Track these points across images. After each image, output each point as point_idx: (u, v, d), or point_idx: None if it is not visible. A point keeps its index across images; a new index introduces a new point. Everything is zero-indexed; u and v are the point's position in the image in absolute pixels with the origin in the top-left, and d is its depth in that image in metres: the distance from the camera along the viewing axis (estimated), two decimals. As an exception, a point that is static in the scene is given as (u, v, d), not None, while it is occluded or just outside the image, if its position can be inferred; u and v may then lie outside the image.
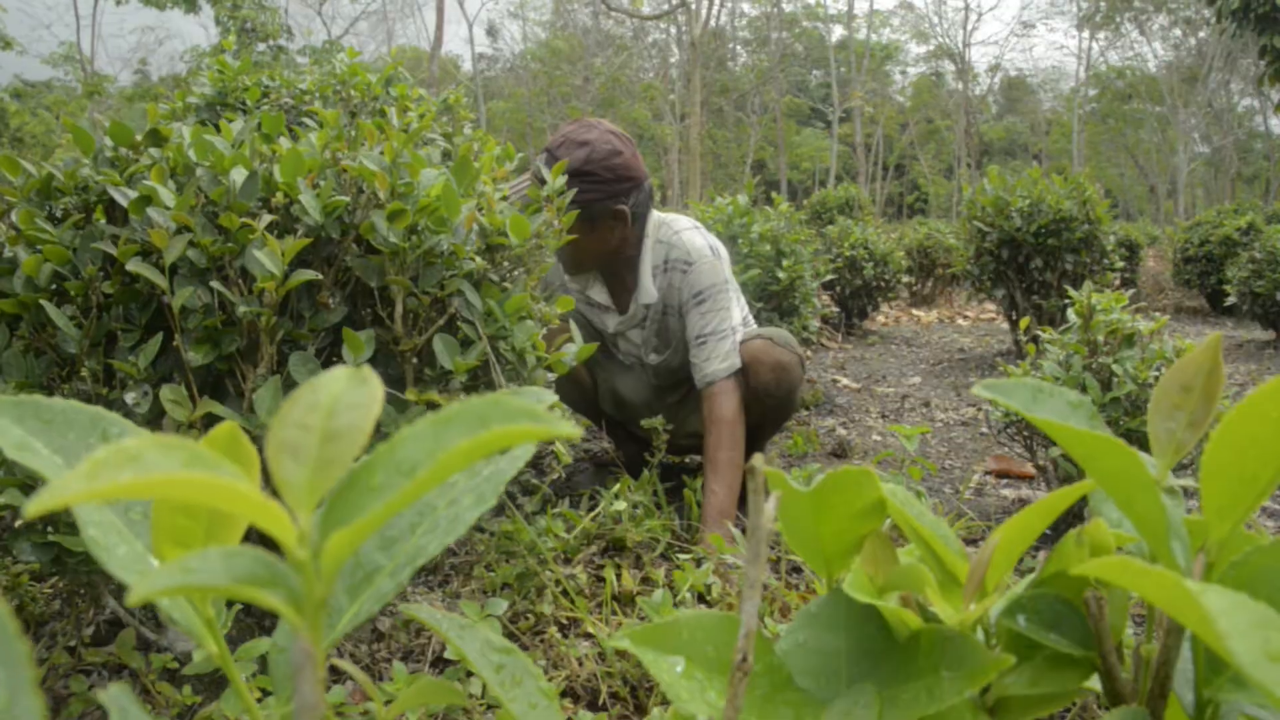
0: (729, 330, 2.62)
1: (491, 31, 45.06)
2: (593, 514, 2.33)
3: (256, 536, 1.27)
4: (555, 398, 0.45)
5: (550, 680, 1.60)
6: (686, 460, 3.26)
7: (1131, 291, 4.86)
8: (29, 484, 1.35)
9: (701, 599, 1.98)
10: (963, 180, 34.83)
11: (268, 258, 1.36)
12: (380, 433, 1.52)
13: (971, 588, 0.47)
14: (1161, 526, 0.43)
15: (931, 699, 0.44)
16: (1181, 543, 0.44)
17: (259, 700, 1.38)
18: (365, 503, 0.33)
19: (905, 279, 7.99)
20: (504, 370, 1.76)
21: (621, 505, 2.32)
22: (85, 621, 1.67)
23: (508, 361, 1.75)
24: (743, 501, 2.65)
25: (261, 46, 22.52)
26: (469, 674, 1.62)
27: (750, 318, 2.89)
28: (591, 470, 3.13)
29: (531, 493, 2.57)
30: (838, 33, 41.24)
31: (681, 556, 2.12)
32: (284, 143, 1.57)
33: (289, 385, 1.47)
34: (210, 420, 1.43)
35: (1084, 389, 2.48)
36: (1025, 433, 2.69)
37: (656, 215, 2.78)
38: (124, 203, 1.41)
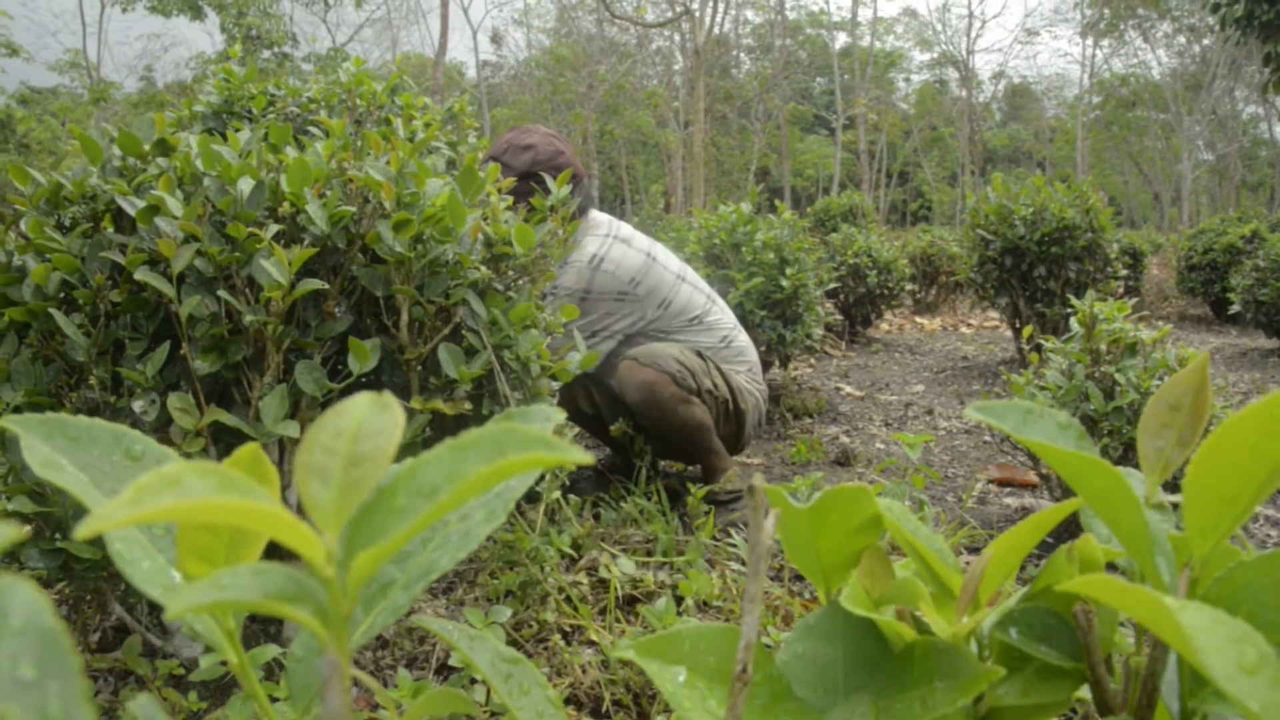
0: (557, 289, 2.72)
1: (496, 39, 45.11)
2: (595, 520, 2.34)
3: (269, 551, 1.28)
4: (563, 416, 0.46)
5: (554, 687, 1.60)
6: (687, 469, 3.27)
7: (1135, 300, 4.86)
8: (38, 491, 1.37)
9: (705, 606, 1.99)
10: (966, 188, 34.85)
11: (274, 267, 1.37)
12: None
13: (965, 601, 0.48)
14: (1146, 543, 0.44)
15: (925, 709, 0.45)
16: (1167, 559, 0.45)
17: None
18: (388, 523, 0.34)
19: (909, 287, 7.99)
20: (508, 379, 1.77)
21: (625, 509, 2.34)
22: (92, 628, 1.68)
23: (512, 370, 1.76)
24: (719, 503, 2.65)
25: (267, 54, 22.58)
26: (473, 681, 1.63)
27: (709, 316, 2.91)
28: (594, 477, 3.13)
29: (535, 500, 2.58)
30: (841, 40, 41.29)
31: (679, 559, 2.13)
32: (291, 152, 1.58)
33: (295, 393, 1.48)
34: (217, 428, 1.44)
35: (1087, 398, 2.49)
36: (1028, 441, 2.70)
37: (592, 218, 2.87)
38: (132, 212, 1.43)
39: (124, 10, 23.77)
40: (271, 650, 1.33)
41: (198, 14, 23.26)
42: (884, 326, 8.46)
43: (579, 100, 35.08)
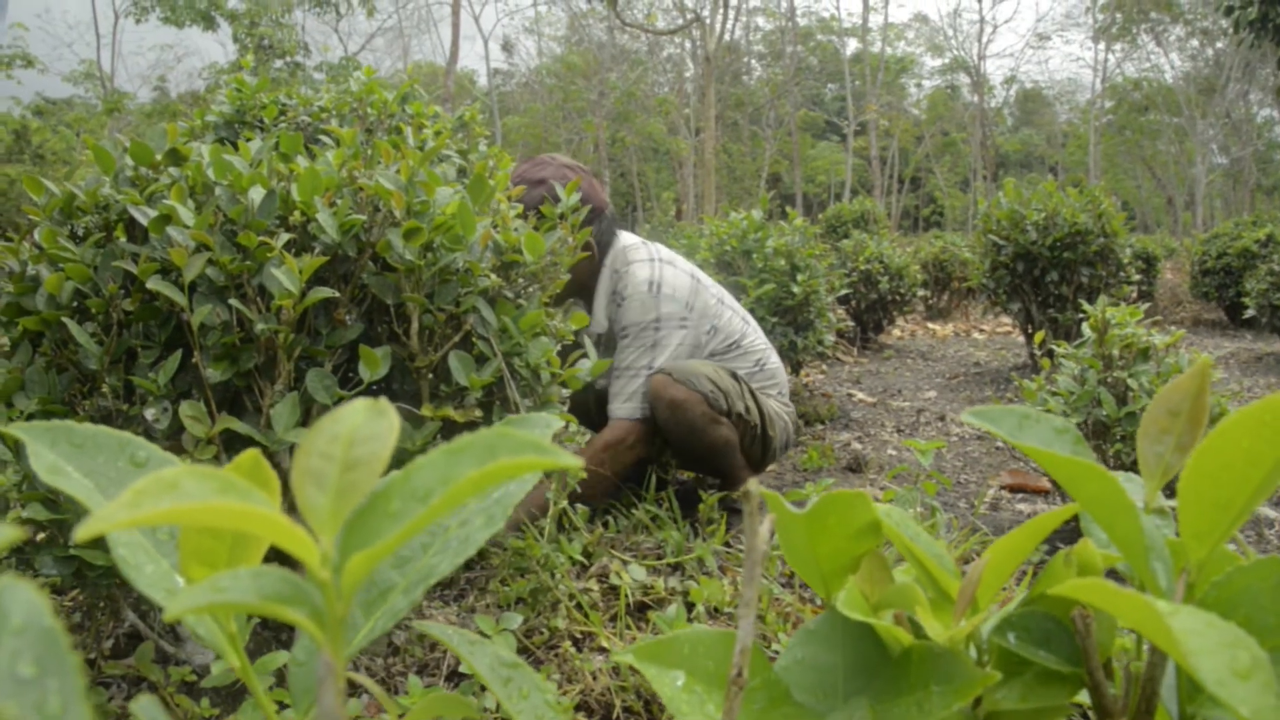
0: (642, 369, 2.65)
1: (507, 47, 45.27)
2: (606, 528, 2.34)
3: (273, 555, 1.28)
4: (561, 424, 0.46)
5: (564, 694, 1.61)
6: (706, 478, 3.27)
7: (1148, 305, 4.84)
8: (51, 498, 1.38)
9: (715, 613, 1.99)
10: (978, 193, 34.76)
11: (285, 275, 1.38)
12: (396, 448, 1.54)
13: (962, 606, 0.48)
14: (1141, 548, 0.44)
15: (921, 713, 0.45)
16: (1164, 564, 0.45)
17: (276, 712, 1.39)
18: (382, 527, 0.35)
19: (921, 293, 7.98)
20: (519, 386, 1.78)
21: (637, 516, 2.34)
22: (105, 635, 1.69)
23: (522, 377, 1.77)
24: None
25: (279, 63, 22.70)
26: (483, 688, 1.63)
27: (745, 339, 2.89)
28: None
29: (545, 508, 2.58)
30: (852, 46, 41.27)
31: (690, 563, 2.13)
32: (301, 161, 1.59)
33: (306, 401, 1.48)
34: (228, 436, 1.45)
35: (1099, 403, 2.48)
36: (1040, 447, 2.69)
37: (623, 241, 2.81)
38: (144, 221, 1.44)
39: (137, 21, 23.93)
40: (282, 657, 1.34)
41: (210, 24, 23.41)
42: (896, 333, 8.45)
43: (590, 108, 35.16)
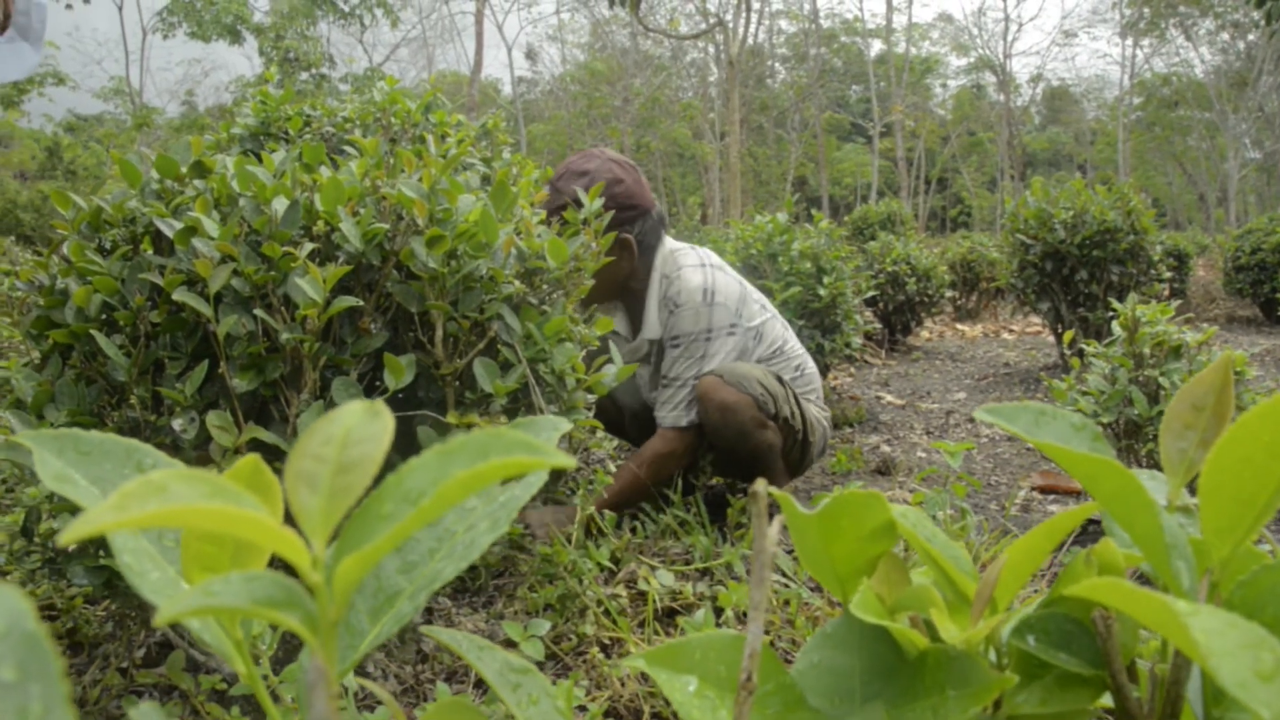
0: (691, 380, 2.63)
1: (530, 55, 45.44)
2: (634, 533, 2.34)
3: (280, 563, 1.29)
4: (569, 426, 0.46)
5: (593, 701, 1.60)
6: (735, 483, 3.26)
7: (1180, 302, 4.77)
8: (81, 510, 1.39)
9: (744, 618, 1.98)
10: (1006, 193, 34.51)
11: (309, 285, 1.39)
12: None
13: (979, 608, 0.47)
14: (1161, 547, 0.43)
15: (937, 718, 0.44)
16: (1187, 563, 0.44)
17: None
18: (376, 529, 0.35)
19: (949, 294, 7.93)
20: (544, 392, 1.78)
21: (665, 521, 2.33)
22: (137, 644, 1.71)
23: (547, 384, 1.77)
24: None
25: (304, 75, 22.90)
26: (512, 694, 1.63)
27: (786, 345, 2.87)
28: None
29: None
30: (876, 47, 41.12)
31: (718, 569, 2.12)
32: (324, 172, 1.60)
33: (332, 410, 1.49)
34: (255, 446, 1.45)
35: (1131, 402, 2.46)
36: (1071, 447, 2.66)
37: (670, 245, 2.79)
38: (170, 234, 1.45)
39: (165, 37, 24.23)
40: (311, 665, 1.34)
41: (236, 38, 23.66)
42: (924, 334, 8.40)
43: (614, 114, 35.22)
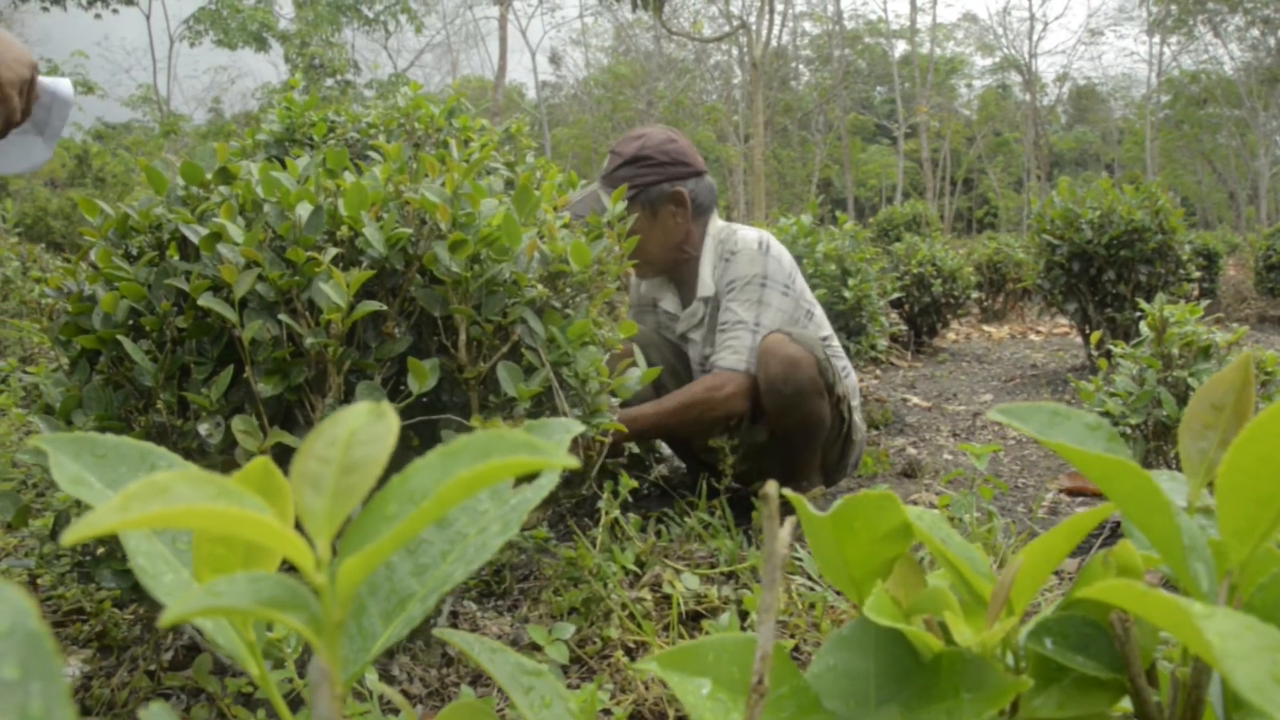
0: (750, 323, 2.61)
1: (554, 59, 45.56)
2: (658, 536, 2.33)
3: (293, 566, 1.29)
4: (581, 428, 0.46)
5: (617, 704, 1.60)
6: (759, 486, 3.25)
7: (1209, 302, 4.72)
8: (108, 514, 1.40)
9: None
10: (1032, 193, 34.26)
11: (333, 290, 1.40)
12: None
13: (994, 611, 0.47)
14: (1178, 548, 0.42)
15: (951, 721, 0.44)
16: (1206, 565, 0.43)
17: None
18: (380, 530, 0.35)
19: (975, 295, 7.88)
20: (567, 396, 1.78)
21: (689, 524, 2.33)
22: (164, 647, 1.72)
23: (571, 387, 1.77)
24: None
25: (330, 82, 23.08)
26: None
27: (833, 341, 2.85)
28: (659, 493, 3.10)
29: (597, 517, 2.58)
30: (901, 48, 40.96)
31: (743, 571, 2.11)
32: (348, 177, 1.61)
33: (338, 411, 1.49)
34: (281, 450, 1.46)
35: (1159, 404, 2.43)
36: (1099, 449, 2.64)
37: (721, 222, 2.82)
38: (195, 240, 1.46)
39: (192, 45, 24.50)
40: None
41: (262, 46, 23.89)
42: (950, 336, 8.35)
43: (639, 117, 35.25)
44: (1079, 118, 50.81)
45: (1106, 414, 2.50)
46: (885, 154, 44.40)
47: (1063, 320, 8.95)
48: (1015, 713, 0.47)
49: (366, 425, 0.36)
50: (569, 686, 1.68)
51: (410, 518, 0.33)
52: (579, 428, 0.44)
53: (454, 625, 1.96)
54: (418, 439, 1.61)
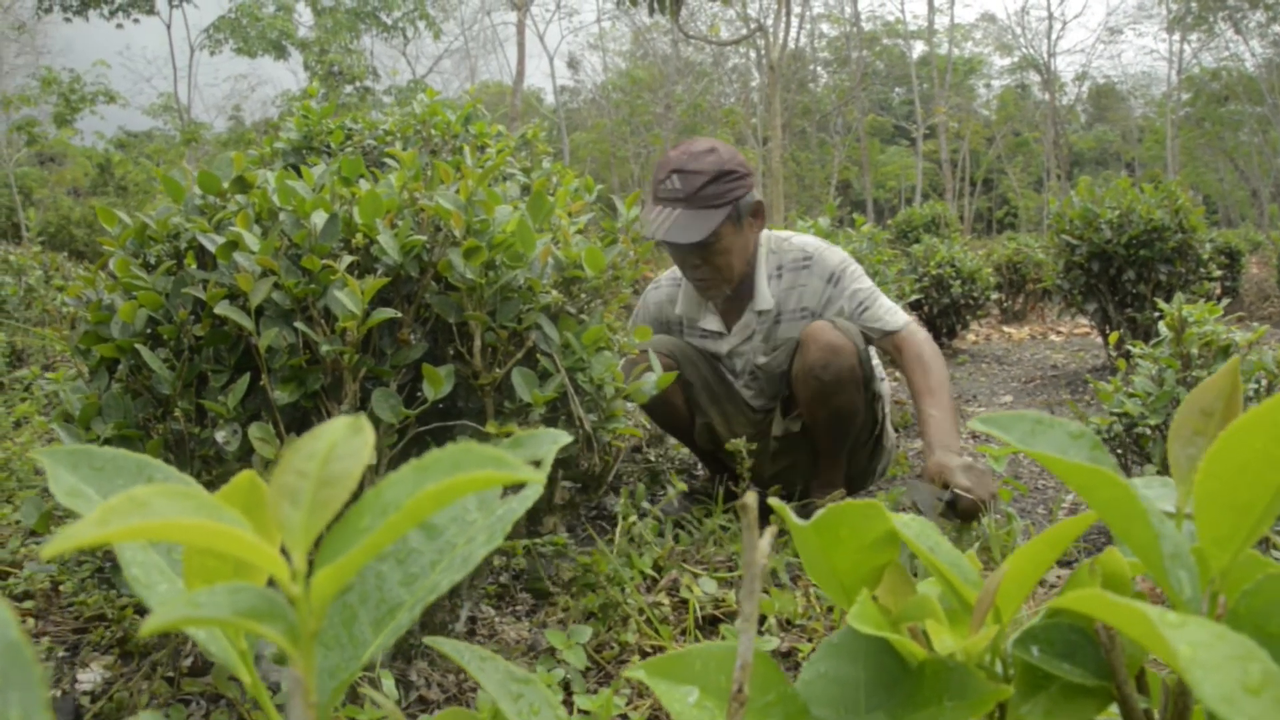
0: (876, 291, 2.63)
1: (572, 64, 45.61)
2: (677, 540, 2.34)
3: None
4: (567, 439, 0.47)
5: (634, 709, 1.60)
6: (777, 490, 3.24)
7: (1230, 301, 4.68)
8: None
9: (788, 625, 1.97)
10: (1052, 192, 34.07)
11: (348, 297, 1.41)
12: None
13: (978, 618, 0.47)
14: (1157, 556, 0.42)
15: (935, 728, 0.44)
16: (1190, 573, 0.43)
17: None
18: (354, 542, 0.35)
19: (994, 296, 7.84)
20: (582, 401, 1.78)
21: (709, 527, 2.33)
22: (184, 653, 1.73)
23: (586, 393, 1.77)
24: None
25: (349, 88, 23.21)
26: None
27: (884, 374, 2.84)
28: (680, 497, 3.07)
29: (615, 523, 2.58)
30: (919, 49, 40.82)
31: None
32: (363, 185, 1.62)
33: (372, 421, 1.51)
34: (297, 456, 1.47)
35: (1178, 404, 2.41)
36: (1119, 450, 2.62)
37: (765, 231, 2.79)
38: (212, 248, 1.48)
39: (212, 54, 24.70)
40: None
41: (282, 53, 24.06)
42: (970, 337, 8.31)
43: (657, 121, 35.26)
44: (1099, 116, 50.50)
45: (1125, 414, 2.49)
46: (904, 155, 44.24)
47: (1083, 320, 8.89)
48: (1003, 719, 0.47)
49: (344, 440, 0.37)
50: (586, 691, 1.68)
51: (379, 531, 0.33)
52: (565, 438, 0.45)
53: (472, 630, 1.97)
54: (434, 445, 1.61)
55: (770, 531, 0.39)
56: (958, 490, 2.19)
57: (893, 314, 2.61)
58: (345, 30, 24.36)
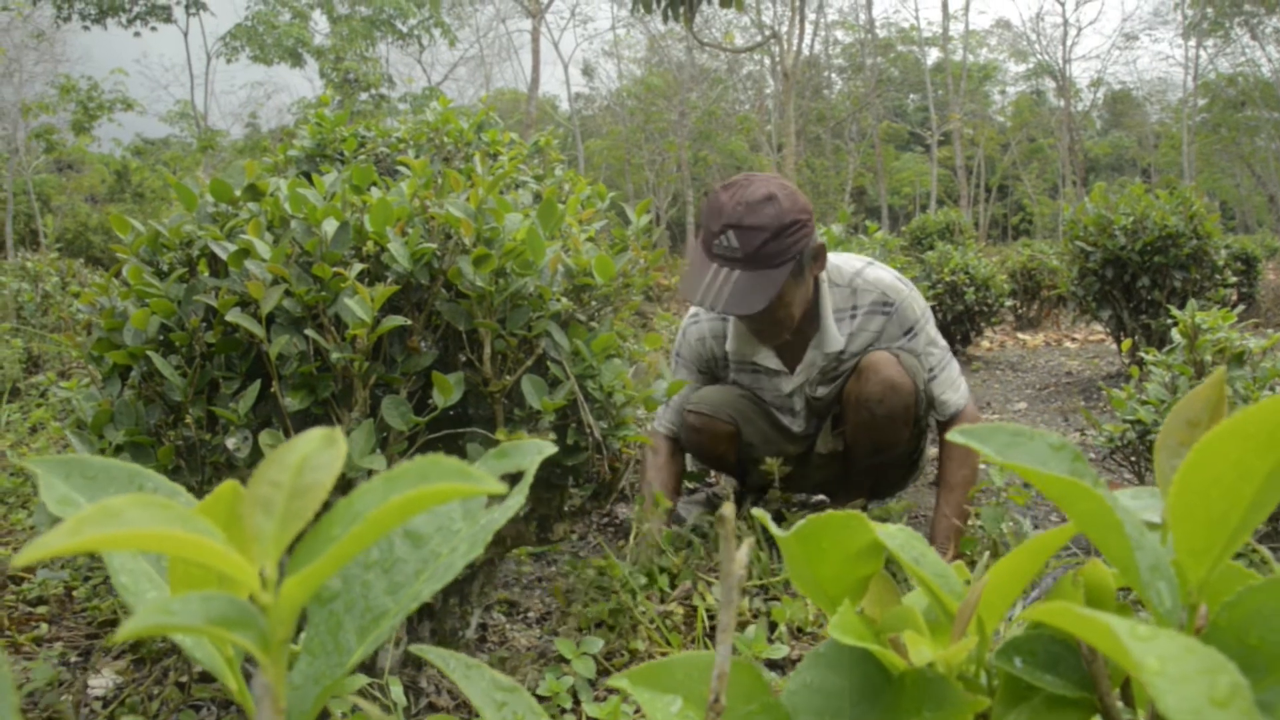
0: (949, 358, 2.56)
1: (587, 71, 45.72)
2: (689, 548, 2.33)
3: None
4: (552, 449, 0.47)
5: (641, 718, 1.60)
6: (790, 498, 3.23)
7: (1243, 308, 4.66)
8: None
9: (799, 633, 1.97)
10: (1068, 199, 33.93)
11: (359, 305, 1.41)
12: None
13: (959, 629, 0.47)
14: (1134, 569, 0.42)
15: (914, 738, 0.44)
16: (1169, 585, 0.43)
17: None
18: (324, 551, 0.36)
19: (1009, 303, 7.81)
20: (592, 409, 1.79)
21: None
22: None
23: (595, 400, 1.78)
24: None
25: (364, 96, 23.33)
26: (562, 710, 1.64)
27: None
28: (699, 508, 3.03)
29: (627, 532, 2.58)
30: (933, 55, 40.78)
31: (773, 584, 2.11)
32: (374, 192, 1.63)
33: (382, 428, 1.51)
34: (306, 463, 1.48)
35: (1191, 412, 2.40)
36: (1133, 458, 2.61)
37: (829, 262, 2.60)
38: (224, 256, 1.48)
39: (228, 61, 24.87)
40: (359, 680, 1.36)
41: (298, 61, 24.20)
42: (984, 344, 8.29)
43: (671, 128, 35.31)
44: (1114, 123, 50.32)
45: (1138, 422, 2.48)
46: (919, 162, 44.16)
47: (1098, 327, 8.85)
48: (987, 730, 0.47)
49: (317, 452, 0.38)
50: (596, 699, 1.69)
51: (343, 540, 0.34)
52: (550, 449, 0.45)
53: (483, 637, 1.97)
54: (445, 452, 1.62)
55: (749, 543, 0.39)
56: None
57: (955, 390, 2.54)
58: (361, 38, 24.49)
